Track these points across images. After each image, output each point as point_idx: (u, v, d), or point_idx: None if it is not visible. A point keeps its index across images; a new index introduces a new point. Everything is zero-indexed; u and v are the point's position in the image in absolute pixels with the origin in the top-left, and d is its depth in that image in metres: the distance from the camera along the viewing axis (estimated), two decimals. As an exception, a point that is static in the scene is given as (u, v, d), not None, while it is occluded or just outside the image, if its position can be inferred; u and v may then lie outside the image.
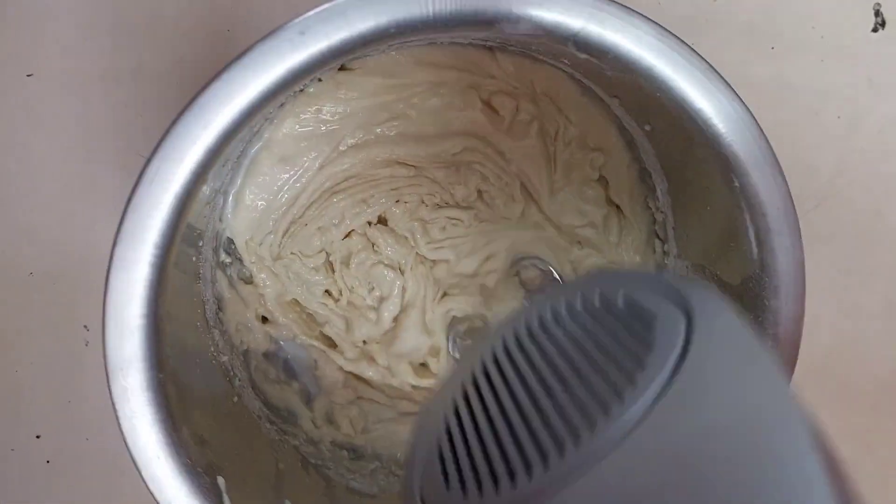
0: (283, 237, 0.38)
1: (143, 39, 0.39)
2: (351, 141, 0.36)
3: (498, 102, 0.38)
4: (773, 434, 0.15)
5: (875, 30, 0.42)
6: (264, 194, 0.37)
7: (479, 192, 0.39)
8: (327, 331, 0.40)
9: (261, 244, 0.37)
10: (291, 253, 0.39)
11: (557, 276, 0.35)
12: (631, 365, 0.16)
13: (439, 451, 0.19)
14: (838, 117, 0.42)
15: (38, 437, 0.41)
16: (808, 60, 0.42)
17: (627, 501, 0.15)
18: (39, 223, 0.40)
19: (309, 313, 0.40)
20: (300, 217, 0.38)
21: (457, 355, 0.36)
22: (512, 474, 0.17)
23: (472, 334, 0.37)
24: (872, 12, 0.42)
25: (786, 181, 0.30)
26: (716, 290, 0.18)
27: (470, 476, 0.18)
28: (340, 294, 0.40)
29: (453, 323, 0.39)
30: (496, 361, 0.20)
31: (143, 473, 0.29)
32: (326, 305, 0.40)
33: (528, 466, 0.16)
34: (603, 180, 0.39)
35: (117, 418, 0.28)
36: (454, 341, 0.38)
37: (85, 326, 0.40)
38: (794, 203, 0.42)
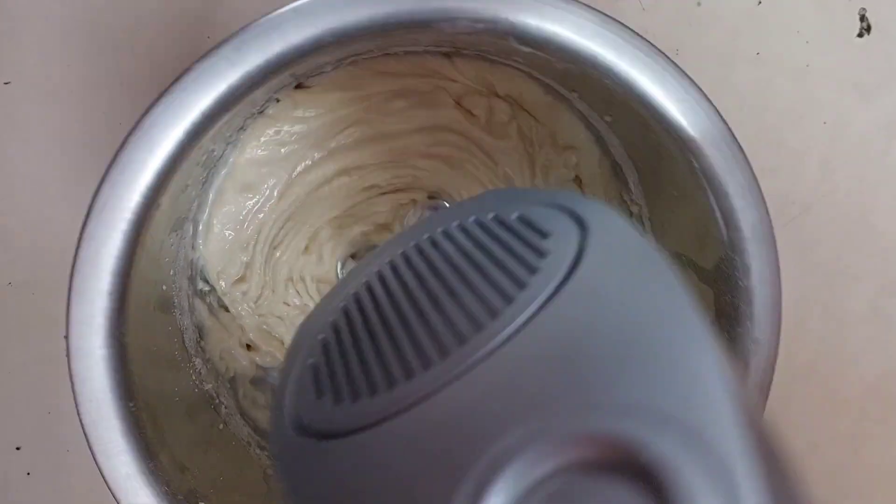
0: (258, 300, 0.38)
1: (122, 46, 0.39)
2: (305, 164, 0.36)
3: (470, 102, 0.37)
4: (667, 332, 0.14)
5: (860, 35, 0.42)
6: (231, 223, 0.37)
7: None
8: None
9: (234, 284, 0.37)
10: (274, 315, 0.39)
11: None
12: (523, 271, 0.16)
13: (314, 366, 0.19)
14: (824, 122, 0.42)
15: (17, 448, 0.41)
16: (793, 65, 0.42)
17: (511, 398, 0.14)
18: (17, 232, 0.40)
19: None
20: (264, 282, 0.38)
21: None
22: (391, 380, 0.16)
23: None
24: (858, 17, 0.42)
25: (746, 157, 0.29)
26: (612, 207, 0.18)
27: (344, 385, 0.17)
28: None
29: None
30: (381, 277, 0.19)
31: (122, 502, 0.29)
32: None
33: (408, 371, 0.16)
34: (578, 180, 0.39)
35: (91, 447, 0.28)
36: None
37: (65, 338, 0.40)
38: (780, 209, 0.41)
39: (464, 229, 0.19)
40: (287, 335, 0.39)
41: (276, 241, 0.38)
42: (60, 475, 0.41)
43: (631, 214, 0.38)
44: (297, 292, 0.39)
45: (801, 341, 0.42)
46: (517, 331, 0.15)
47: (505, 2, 0.27)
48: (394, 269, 0.19)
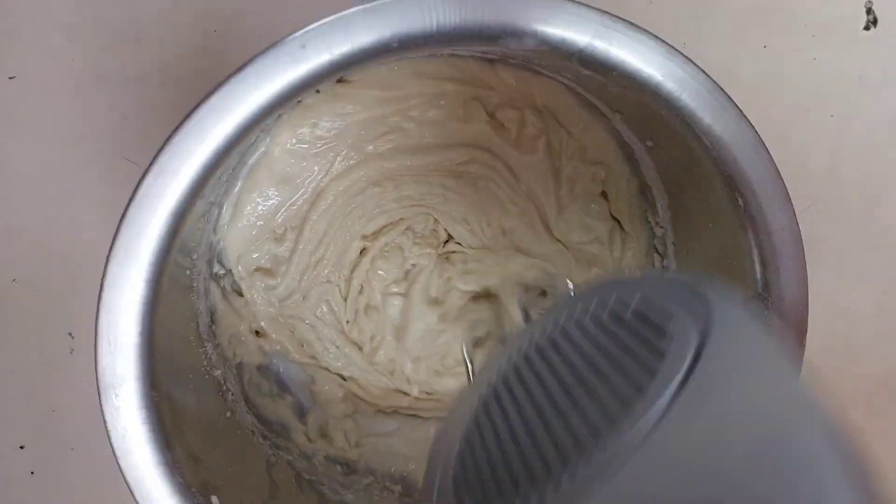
0: (285, 300, 0.38)
1: (127, 41, 0.38)
2: (342, 164, 0.36)
3: (503, 115, 0.37)
4: (789, 440, 0.15)
5: (867, 28, 0.42)
6: (261, 211, 0.36)
7: (503, 230, 0.39)
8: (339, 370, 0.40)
9: (256, 272, 0.37)
10: (303, 321, 0.39)
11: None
12: (641, 375, 0.16)
13: (459, 462, 0.19)
14: (831, 116, 0.42)
15: (21, 447, 0.40)
16: (800, 58, 0.41)
17: None
18: (22, 229, 0.39)
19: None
20: (297, 287, 0.38)
21: (469, 364, 0.35)
22: (524, 488, 0.16)
23: (484, 343, 0.37)
24: (864, 10, 0.42)
25: (791, 202, 0.29)
26: (733, 291, 0.18)
27: (491, 485, 0.17)
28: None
29: (468, 329, 0.39)
30: (517, 369, 0.19)
31: (136, 494, 0.28)
32: (339, 350, 0.40)
33: (534, 481, 0.16)
34: (604, 195, 0.39)
35: (109, 438, 0.28)
36: (467, 351, 0.37)
37: (70, 334, 0.39)
38: None
39: (582, 323, 0.19)
40: (317, 343, 0.39)
41: (318, 255, 0.37)
42: (64, 474, 0.40)
43: (654, 236, 0.38)
44: (332, 310, 0.39)
45: (809, 337, 0.42)
46: (640, 443, 0.15)
47: (574, 25, 0.27)
48: (526, 363, 0.19)
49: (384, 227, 0.38)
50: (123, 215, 0.26)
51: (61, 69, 0.38)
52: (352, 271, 0.38)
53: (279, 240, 0.37)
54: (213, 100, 0.26)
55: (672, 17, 0.41)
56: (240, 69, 0.25)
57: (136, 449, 0.28)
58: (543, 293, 0.39)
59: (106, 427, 0.28)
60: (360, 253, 0.38)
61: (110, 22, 0.38)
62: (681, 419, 0.15)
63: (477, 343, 0.39)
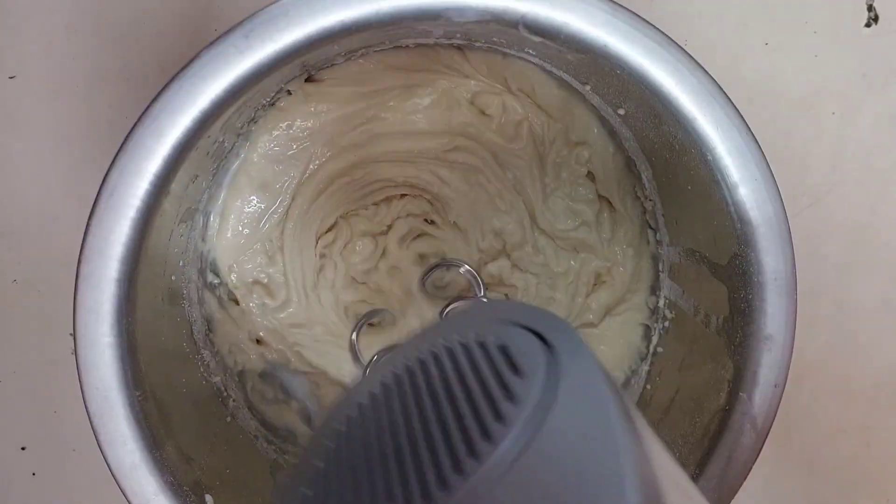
0: (291, 327, 0.38)
1: (128, 40, 0.39)
2: (316, 163, 0.36)
3: (483, 102, 0.37)
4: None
5: (868, 25, 0.41)
6: (247, 219, 0.37)
7: (495, 232, 0.39)
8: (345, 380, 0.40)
9: (252, 285, 0.37)
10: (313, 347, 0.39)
11: (472, 277, 0.35)
12: (490, 421, 0.17)
13: (321, 474, 0.19)
14: (833, 113, 0.42)
15: (23, 448, 0.41)
16: (802, 56, 0.41)
17: None
18: (22, 229, 0.40)
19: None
20: (303, 321, 0.38)
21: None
22: None
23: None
24: (865, 7, 0.41)
25: (761, 150, 0.29)
26: (583, 343, 0.19)
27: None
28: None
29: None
30: (386, 387, 0.20)
31: (127, 492, 0.29)
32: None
33: None
34: (591, 175, 0.39)
35: (96, 437, 0.28)
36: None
37: (70, 334, 0.40)
38: (789, 200, 0.41)
39: (450, 353, 0.20)
40: (320, 359, 0.39)
41: (307, 277, 0.38)
42: (66, 475, 0.41)
43: (644, 211, 0.38)
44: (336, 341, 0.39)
45: (812, 334, 0.41)
46: (475, 493, 0.16)
47: (515, -10, 0.27)
48: (386, 392, 0.20)
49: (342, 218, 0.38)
50: (91, 214, 0.27)
51: (61, 69, 0.39)
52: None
53: (270, 259, 0.37)
54: (166, 96, 0.26)
55: (674, 14, 0.41)
56: (188, 64, 0.26)
57: (122, 447, 0.28)
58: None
59: (92, 427, 0.28)
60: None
61: (110, 21, 0.39)
62: (525, 469, 0.16)
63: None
